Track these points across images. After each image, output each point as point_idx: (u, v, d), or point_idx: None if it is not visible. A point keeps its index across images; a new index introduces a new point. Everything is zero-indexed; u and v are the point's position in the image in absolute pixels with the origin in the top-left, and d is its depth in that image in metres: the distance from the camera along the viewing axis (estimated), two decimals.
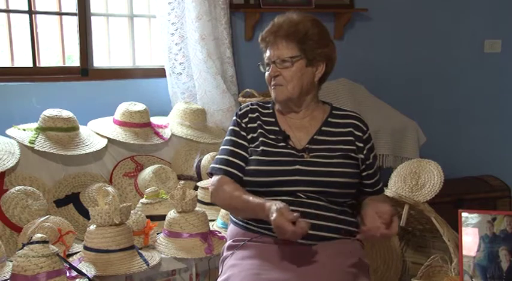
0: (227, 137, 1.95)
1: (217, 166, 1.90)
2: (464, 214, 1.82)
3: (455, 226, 1.88)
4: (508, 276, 1.76)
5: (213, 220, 2.60)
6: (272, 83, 1.88)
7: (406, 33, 3.95)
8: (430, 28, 4.01)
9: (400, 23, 3.92)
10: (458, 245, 1.86)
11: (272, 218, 1.62)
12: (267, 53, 1.89)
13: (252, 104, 1.98)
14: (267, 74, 1.90)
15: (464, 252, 1.81)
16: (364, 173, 1.90)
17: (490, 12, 4.17)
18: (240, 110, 1.98)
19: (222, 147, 1.95)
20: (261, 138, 1.89)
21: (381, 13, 3.83)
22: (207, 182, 2.67)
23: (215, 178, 1.90)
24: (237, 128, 1.94)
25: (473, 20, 4.12)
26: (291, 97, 1.87)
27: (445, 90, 4.13)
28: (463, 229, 1.82)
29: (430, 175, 2.40)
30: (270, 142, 1.87)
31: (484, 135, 4.27)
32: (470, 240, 1.81)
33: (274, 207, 1.64)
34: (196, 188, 2.79)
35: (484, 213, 1.82)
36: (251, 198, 1.76)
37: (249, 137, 1.91)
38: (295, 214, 1.60)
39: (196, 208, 2.41)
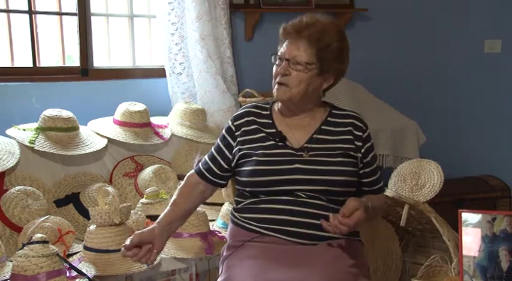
0: (217, 140, 1.99)
1: (198, 166, 1.99)
2: (464, 214, 1.82)
3: (455, 226, 1.88)
4: (508, 276, 1.75)
5: (213, 220, 2.60)
6: (277, 80, 1.83)
7: (406, 33, 3.95)
8: (430, 28, 4.01)
9: (400, 23, 3.92)
10: (458, 245, 1.85)
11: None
12: (284, 48, 1.83)
13: (248, 107, 1.97)
14: (275, 67, 1.85)
15: (464, 252, 1.81)
16: (361, 171, 1.90)
17: (490, 12, 4.17)
18: (236, 113, 1.97)
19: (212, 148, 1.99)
20: (258, 140, 1.87)
21: (381, 13, 3.82)
22: None
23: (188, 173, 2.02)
24: (225, 133, 1.94)
25: (473, 20, 4.11)
26: (292, 99, 1.83)
27: (445, 90, 4.13)
28: (463, 229, 1.81)
29: (430, 175, 2.40)
30: (267, 143, 1.86)
31: (484, 136, 4.27)
32: (470, 240, 1.80)
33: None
34: None
35: (484, 213, 1.82)
36: (163, 214, 1.89)
37: (239, 140, 1.89)
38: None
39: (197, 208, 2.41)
